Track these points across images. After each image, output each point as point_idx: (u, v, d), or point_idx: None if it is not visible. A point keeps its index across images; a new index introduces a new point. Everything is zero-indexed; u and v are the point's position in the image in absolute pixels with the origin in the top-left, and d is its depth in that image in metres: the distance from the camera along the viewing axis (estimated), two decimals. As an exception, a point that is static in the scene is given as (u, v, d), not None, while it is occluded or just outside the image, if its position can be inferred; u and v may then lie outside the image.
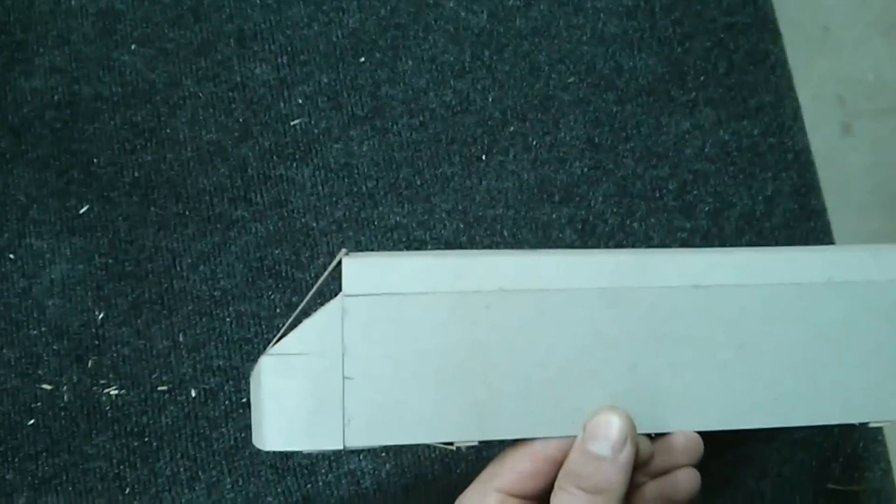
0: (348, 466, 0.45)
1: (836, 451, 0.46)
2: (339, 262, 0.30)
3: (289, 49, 0.50)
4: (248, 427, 0.45)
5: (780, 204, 0.48)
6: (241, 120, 0.49)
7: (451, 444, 0.31)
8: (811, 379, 0.32)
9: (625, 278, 0.31)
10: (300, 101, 0.49)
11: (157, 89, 0.49)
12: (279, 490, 0.44)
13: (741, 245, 0.47)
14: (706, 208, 0.48)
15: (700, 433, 0.32)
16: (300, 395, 0.30)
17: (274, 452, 0.42)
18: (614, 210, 0.48)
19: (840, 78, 1.15)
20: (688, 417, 0.31)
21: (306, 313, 0.31)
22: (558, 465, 0.30)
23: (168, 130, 0.49)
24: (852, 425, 0.34)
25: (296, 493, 0.44)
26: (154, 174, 0.48)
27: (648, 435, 0.31)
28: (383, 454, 0.45)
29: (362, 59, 0.50)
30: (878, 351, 0.32)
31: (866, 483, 0.45)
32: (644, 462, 0.31)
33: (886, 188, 1.11)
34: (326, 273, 0.31)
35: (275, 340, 0.30)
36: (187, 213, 0.47)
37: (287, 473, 0.45)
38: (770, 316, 0.31)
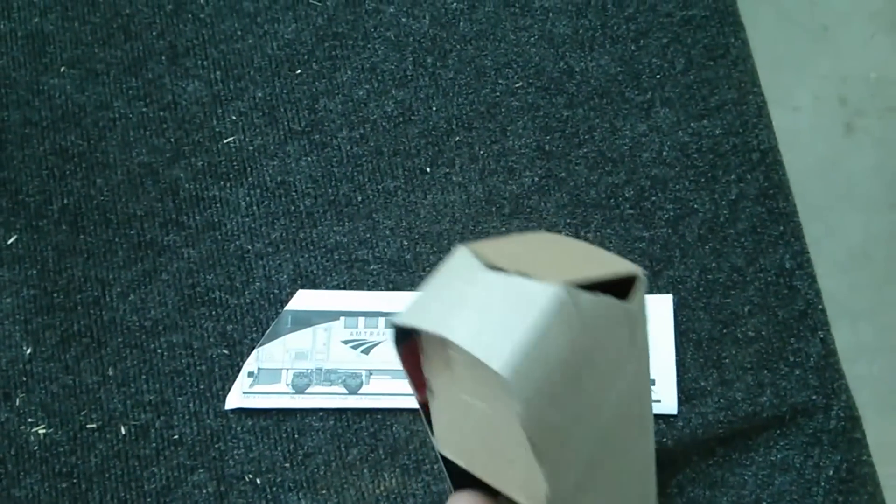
0: (287, 505, 0.42)
1: (818, 474, 0.42)
2: None
3: (222, 64, 0.48)
4: (182, 466, 0.42)
5: (745, 208, 0.45)
6: (172, 140, 0.47)
7: None
8: None
9: None
10: (234, 117, 0.47)
11: (87, 112, 0.47)
12: (214, 532, 0.42)
13: (703, 252, 0.44)
14: (666, 216, 0.45)
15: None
16: None
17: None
18: (568, 221, 0.45)
19: (841, 77, 1.13)
20: None
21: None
22: None
23: (98, 154, 0.47)
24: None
25: (232, 536, 0.42)
26: (83, 201, 0.46)
27: None
28: (324, 492, 0.42)
29: (299, 72, 0.47)
30: None
31: (850, 508, 0.41)
32: None
33: (894, 188, 1.08)
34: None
35: None
36: (117, 239, 0.45)
37: (222, 514, 0.42)
38: None
